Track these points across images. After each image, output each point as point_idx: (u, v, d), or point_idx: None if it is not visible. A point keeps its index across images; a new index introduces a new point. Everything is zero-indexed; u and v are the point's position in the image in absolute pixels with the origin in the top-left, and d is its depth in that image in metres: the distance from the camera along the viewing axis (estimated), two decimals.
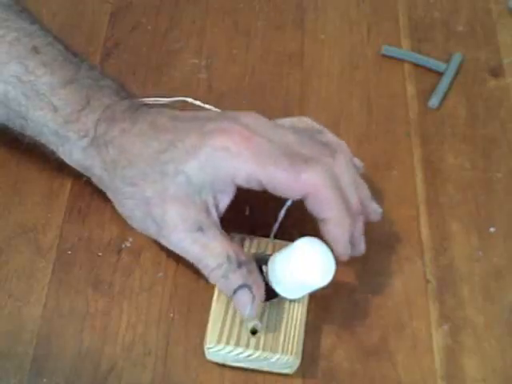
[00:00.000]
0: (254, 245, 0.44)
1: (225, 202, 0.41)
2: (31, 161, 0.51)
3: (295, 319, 0.41)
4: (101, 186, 0.44)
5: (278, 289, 0.41)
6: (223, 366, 0.41)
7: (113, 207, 0.48)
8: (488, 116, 0.55)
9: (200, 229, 0.40)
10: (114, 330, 0.44)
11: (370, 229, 0.45)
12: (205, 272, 0.41)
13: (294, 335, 0.41)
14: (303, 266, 0.39)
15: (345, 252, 0.41)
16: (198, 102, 0.50)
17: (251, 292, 0.40)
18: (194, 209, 0.40)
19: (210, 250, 0.40)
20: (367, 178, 0.51)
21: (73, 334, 0.43)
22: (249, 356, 0.40)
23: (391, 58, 0.58)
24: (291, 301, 0.42)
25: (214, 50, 0.59)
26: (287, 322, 0.41)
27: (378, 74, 0.58)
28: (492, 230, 0.49)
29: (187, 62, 0.58)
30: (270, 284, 0.41)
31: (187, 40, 0.59)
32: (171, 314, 0.44)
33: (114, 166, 0.42)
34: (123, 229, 0.47)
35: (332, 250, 0.40)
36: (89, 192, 0.49)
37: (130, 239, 0.47)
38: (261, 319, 0.41)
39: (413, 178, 0.51)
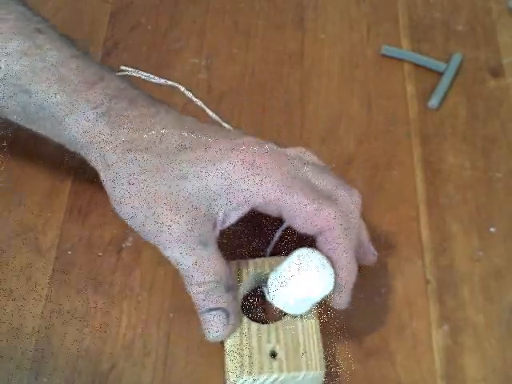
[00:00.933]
0: (250, 266, 0.43)
1: (233, 219, 0.40)
2: (31, 161, 0.51)
3: (310, 332, 0.40)
4: (98, 164, 0.41)
5: (279, 305, 0.40)
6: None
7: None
8: (488, 116, 0.55)
9: (201, 243, 0.38)
10: (114, 330, 0.44)
11: (370, 229, 0.45)
12: (186, 281, 0.39)
13: (313, 348, 0.40)
14: (300, 281, 0.38)
15: (347, 300, 0.40)
16: (189, 94, 0.50)
17: (227, 318, 0.39)
18: (202, 222, 0.38)
19: (203, 266, 0.39)
20: (367, 178, 0.51)
21: (73, 334, 0.43)
22: (275, 380, 0.39)
23: (391, 57, 0.58)
24: (302, 315, 0.41)
25: (214, 49, 0.59)
26: (304, 337, 0.40)
27: (377, 74, 0.58)
28: (492, 230, 0.49)
29: (187, 61, 0.58)
30: (271, 303, 0.40)
31: (187, 40, 0.59)
32: (171, 314, 0.44)
33: (127, 147, 0.39)
34: (123, 229, 0.47)
35: (333, 294, 0.39)
36: (89, 192, 0.49)
37: (130, 239, 0.47)
38: (277, 340, 0.40)
39: (413, 178, 0.51)
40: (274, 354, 0.39)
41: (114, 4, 0.61)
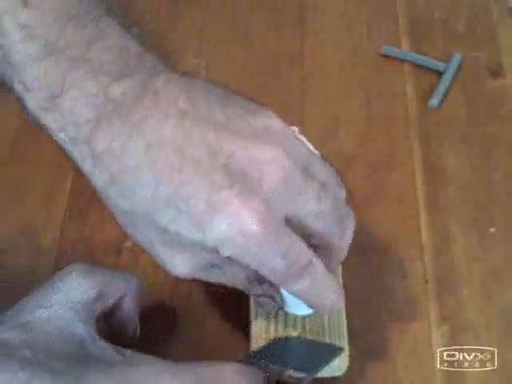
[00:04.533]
0: None
1: None
2: (31, 161, 0.51)
3: (336, 317, 0.41)
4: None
5: (286, 307, 0.40)
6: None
7: None
8: (488, 116, 0.55)
9: (213, 265, 0.36)
10: None
11: (370, 229, 0.45)
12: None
13: (338, 337, 0.40)
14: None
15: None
16: None
17: (274, 299, 0.40)
18: (205, 253, 0.34)
19: (227, 276, 0.38)
20: (367, 178, 0.51)
21: None
22: None
23: (391, 57, 0.58)
24: None
25: (213, 50, 0.59)
26: (329, 323, 0.40)
27: (377, 74, 0.58)
28: (492, 230, 0.48)
29: (187, 62, 0.58)
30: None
31: (187, 40, 0.59)
32: (171, 314, 0.44)
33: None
34: (123, 229, 0.47)
35: None
36: (89, 192, 0.49)
37: (130, 239, 0.47)
38: (303, 326, 0.40)
39: (413, 178, 0.51)
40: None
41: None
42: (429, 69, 0.57)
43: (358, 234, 0.47)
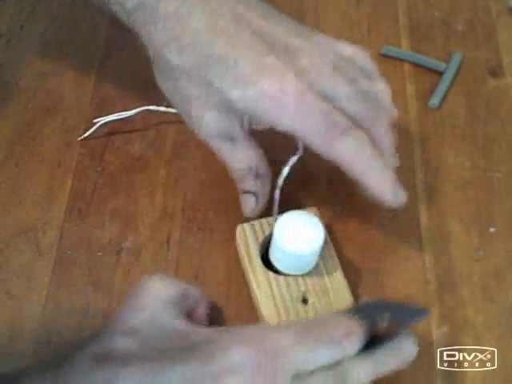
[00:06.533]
0: (264, 227, 0.45)
1: (260, 127, 0.42)
2: (31, 161, 0.51)
3: (333, 272, 0.43)
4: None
5: (276, 265, 0.43)
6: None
7: (113, 207, 0.48)
8: (488, 116, 0.55)
9: (231, 139, 0.41)
10: None
11: (369, 230, 0.45)
12: (228, 167, 0.43)
13: (339, 286, 0.42)
14: (285, 238, 0.41)
15: (394, 199, 0.42)
16: (161, 108, 0.51)
17: (256, 200, 0.44)
18: (230, 121, 0.41)
19: (235, 157, 0.42)
20: None
21: (73, 334, 0.43)
22: None
23: (391, 57, 0.58)
24: (325, 264, 0.43)
25: None
26: (328, 278, 0.43)
27: None
28: (492, 229, 0.48)
29: None
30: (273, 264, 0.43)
31: None
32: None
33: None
34: (123, 229, 0.47)
35: None
36: (89, 192, 0.49)
37: (130, 239, 0.47)
38: (305, 286, 0.42)
39: (413, 178, 0.51)
40: (305, 300, 0.42)
41: None
42: (429, 69, 0.57)
43: (357, 233, 0.48)
